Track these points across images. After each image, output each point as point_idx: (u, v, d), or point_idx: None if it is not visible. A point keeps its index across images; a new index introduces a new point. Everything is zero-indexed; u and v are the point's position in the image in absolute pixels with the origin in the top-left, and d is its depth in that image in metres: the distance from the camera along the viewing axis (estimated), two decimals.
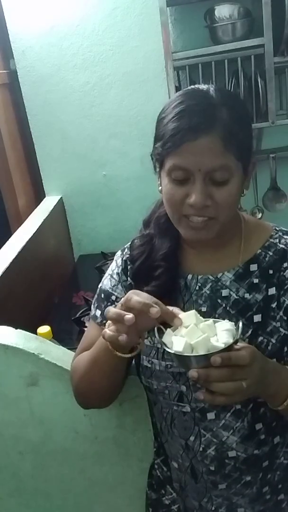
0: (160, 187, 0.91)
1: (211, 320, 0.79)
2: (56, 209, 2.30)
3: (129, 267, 1.01)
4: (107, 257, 2.15)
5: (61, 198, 2.38)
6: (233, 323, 0.78)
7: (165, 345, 0.78)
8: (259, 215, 2.23)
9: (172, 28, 2.07)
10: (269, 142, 2.20)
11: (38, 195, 2.46)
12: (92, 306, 1.06)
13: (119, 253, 1.05)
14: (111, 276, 1.03)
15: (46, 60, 2.18)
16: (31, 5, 2.10)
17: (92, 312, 1.04)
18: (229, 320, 0.80)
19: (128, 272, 1.00)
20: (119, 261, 1.03)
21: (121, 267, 1.02)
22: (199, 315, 0.80)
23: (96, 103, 2.24)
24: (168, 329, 0.80)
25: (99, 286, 1.05)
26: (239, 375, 0.75)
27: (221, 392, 0.75)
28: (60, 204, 2.37)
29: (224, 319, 0.80)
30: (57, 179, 2.38)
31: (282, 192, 2.24)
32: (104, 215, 2.41)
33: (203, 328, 0.78)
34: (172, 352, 0.76)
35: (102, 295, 1.03)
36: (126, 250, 1.04)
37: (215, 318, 0.85)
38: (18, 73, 2.21)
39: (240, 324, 0.78)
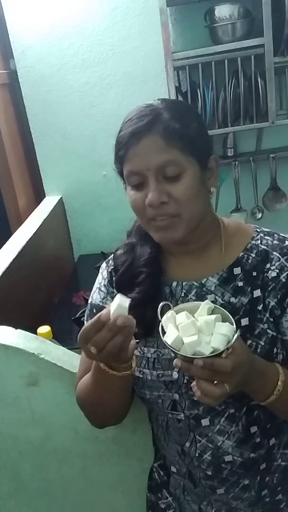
0: None
1: (213, 317, 0.81)
2: (56, 209, 2.30)
3: (114, 278, 1.01)
4: (107, 257, 2.14)
5: (61, 198, 2.38)
6: (234, 328, 0.79)
7: (163, 328, 0.82)
8: (259, 215, 2.23)
9: (172, 28, 2.07)
10: (269, 142, 2.20)
11: (38, 195, 2.46)
12: (85, 323, 1.04)
13: (103, 265, 1.06)
14: (99, 289, 1.03)
15: (46, 60, 2.18)
16: (31, 5, 2.10)
17: None
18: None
19: (114, 283, 1.00)
20: (105, 273, 1.04)
21: (107, 279, 1.02)
22: (212, 305, 0.84)
23: (96, 103, 2.24)
24: (171, 311, 0.83)
25: (89, 302, 1.05)
26: (219, 378, 0.77)
27: (207, 395, 0.78)
28: (60, 204, 2.37)
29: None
30: (57, 179, 2.38)
31: (282, 192, 2.24)
32: (104, 215, 2.41)
33: (200, 326, 0.80)
34: (163, 339, 0.80)
35: (94, 310, 1.02)
36: (110, 261, 1.04)
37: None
38: (18, 73, 2.21)
39: (237, 334, 0.78)
